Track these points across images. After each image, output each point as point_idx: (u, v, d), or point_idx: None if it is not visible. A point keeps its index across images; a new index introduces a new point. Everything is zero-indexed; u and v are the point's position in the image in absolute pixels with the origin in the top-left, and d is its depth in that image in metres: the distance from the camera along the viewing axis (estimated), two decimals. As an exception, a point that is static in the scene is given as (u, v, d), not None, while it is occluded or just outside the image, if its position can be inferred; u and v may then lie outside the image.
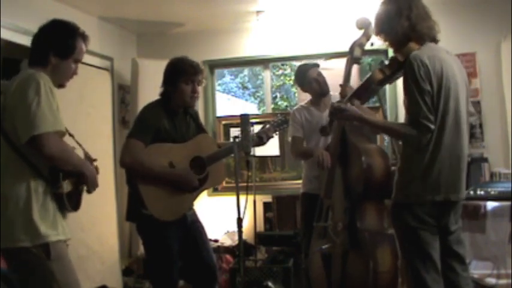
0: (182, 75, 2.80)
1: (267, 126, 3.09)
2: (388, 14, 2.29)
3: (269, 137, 3.05)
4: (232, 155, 2.82)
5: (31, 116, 1.94)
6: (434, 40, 2.29)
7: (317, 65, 3.63)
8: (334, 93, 3.53)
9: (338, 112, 2.42)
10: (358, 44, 2.92)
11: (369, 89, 2.44)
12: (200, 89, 5.38)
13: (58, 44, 2.15)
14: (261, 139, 2.99)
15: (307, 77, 3.54)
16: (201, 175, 2.82)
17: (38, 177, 2.03)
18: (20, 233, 1.98)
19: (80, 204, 2.20)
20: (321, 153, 3.19)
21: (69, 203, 2.10)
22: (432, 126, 2.11)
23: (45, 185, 2.04)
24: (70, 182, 2.11)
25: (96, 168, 2.28)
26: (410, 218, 2.19)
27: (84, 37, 2.23)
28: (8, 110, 2.03)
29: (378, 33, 2.38)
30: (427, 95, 2.11)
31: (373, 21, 2.47)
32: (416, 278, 2.18)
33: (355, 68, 3.10)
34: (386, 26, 2.31)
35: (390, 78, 2.37)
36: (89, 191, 2.22)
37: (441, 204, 2.18)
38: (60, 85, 2.22)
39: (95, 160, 2.31)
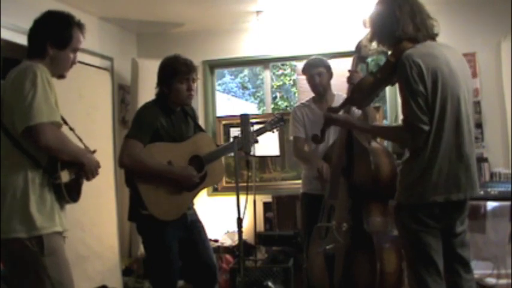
0: (176, 75, 2.80)
1: (264, 125, 3.15)
2: (380, 15, 2.26)
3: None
4: (232, 154, 2.83)
5: (27, 107, 1.94)
6: (430, 37, 2.22)
7: (320, 65, 3.53)
8: (338, 92, 3.53)
9: (329, 122, 2.53)
10: (364, 43, 2.90)
11: (364, 94, 2.36)
12: (200, 88, 5.42)
13: (55, 34, 2.14)
14: (256, 140, 3.02)
15: (307, 73, 3.55)
16: (200, 174, 2.83)
17: (36, 168, 2.03)
18: (15, 223, 1.98)
19: (79, 196, 2.19)
20: (321, 166, 3.21)
21: (69, 194, 2.09)
22: (425, 128, 2.08)
23: (43, 175, 2.04)
24: (69, 172, 2.11)
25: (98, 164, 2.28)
26: (412, 219, 2.18)
27: (80, 26, 2.22)
28: (6, 103, 2.03)
29: (372, 36, 2.35)
30: (420, 96, 2.07)
31: None
32: (418, 279, 2.17)
33: (359, 68, 3.09)
34: (378, 28, 2.28)
35: (384, 81, 2.32)
36: (88, 179, 2.21)
37: (443, 205, 2.15)
38: (61, 76, 2.22)
39: (94, 151, 2.30)
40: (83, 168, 2.15)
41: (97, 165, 2.23)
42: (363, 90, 2.35)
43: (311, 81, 3.55)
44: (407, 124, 2.11)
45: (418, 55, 2.10)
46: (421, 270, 2.16)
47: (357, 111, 3.20)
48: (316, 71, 3.51)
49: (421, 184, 2.15)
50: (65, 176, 2.09)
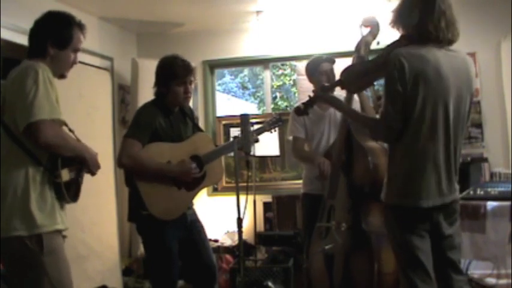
0: (174, 78, 2.80)
1: (262, 125, 3.16)
2: (403, 6, 2.23)
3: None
4: (232, 154, 2.83)
5: (28, 104, 1.95)
6: (437, 41, 2.15)
7: (333, 61, 3.52)
8: (337, 92, 3.53)
9: (315, 98, 2.65)
10: (364, 43, 2.90)
11: (352, 78, 2.38)
12: (200, 88, 5.42)
13: (55, 34, 2.16)
14: (257, 139, 3.03)
15: (320, 68, 3.45)
16: (199, 174, 2.83)
17: (36, 166, 2.03)
18: (16, 222, 1.98)
19: (78, 195, 2.19)
20: (322, 162, 3.20)
21: (68, 193, 2.10)
22: (395, 126, 2.10)
23: (44, 174, 2.05)
24: (70, 170, 2.12)
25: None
26: (395, 220, 2.19)
27: (80, 26, 2.24)
28: (8, 101, 2.04)
29: (392, 23, 2.28)
30: (396, 95, 2.07)
31: (379, 19, 2.49)
32: (407, 280, 2.17)
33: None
34: (395, 12, 2.25)
35: (374, 71, 2.30)
36: (92, 173, 2.22)
37: (419, 208, 2.14)
38: (61, 75, 2.23)
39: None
40: (85, 163, 2.16)
41: (97, 158, 2.24)
42: (352, 74, 2.38)
43: (324, 78, 3.42)
44: (380, 120, 2.15)
45: (406, 55, 2.09)
46: (409, 272, 2.16)
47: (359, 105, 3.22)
48: (329, 67, 3.47)
49: (393, 186, 2.17)
50: (65, 175, 2.09)
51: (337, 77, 3.49)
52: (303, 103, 2.71)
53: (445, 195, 2.17)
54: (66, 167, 2.10)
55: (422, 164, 2.13)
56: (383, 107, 2.13)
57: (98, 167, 2.23)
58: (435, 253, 2.20)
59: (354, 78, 2.37)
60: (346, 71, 2.41)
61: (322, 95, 2.59)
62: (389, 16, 2.28)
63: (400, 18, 2.22)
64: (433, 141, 2.12)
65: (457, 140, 2.20)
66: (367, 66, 2.33)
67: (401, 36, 2.21)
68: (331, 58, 3.56)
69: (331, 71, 3.48)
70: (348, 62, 3.11)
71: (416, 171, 2.13)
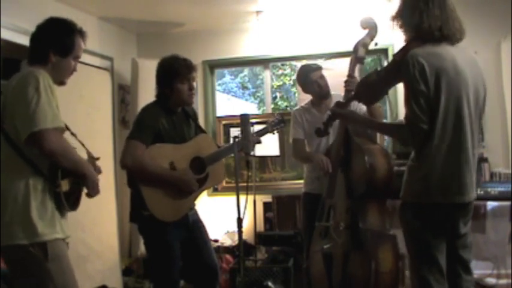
0: (177, 76, 2.80)
1: (265, 126, 3.16)
2: (406, 4, 2.24)
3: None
4: (232, 155, 2.83)
5: (30, 113, 1.95)
6: (448, 39, 2.18)
7: (320, 67, 3.58)
8: (336, 92, 3.54)
9: (334, 116, 2.63)
10: (362, 44, 2.92)
11: (368, 90, 2.39)
12: (200, 88, 5.43)
13: (58, 42, 2.16)
14: (259, 141, 3.04)
15: (309, 78, 3.51)
16: (201, 175, 2.82)
17: (37, 175, 2.03)
18: (17, 230, 1.98)
19: (78, 204, 2.19)
20: (321, 159, 3.21)
21: (68, 202, 2.09)
22: (424, 127, 2.08)
23: (44, 183, 2.04)
24: (69, 181, 2.11)
25: (98, 169, 2.27)
26: (415, 218, 2.19)
27: (82, 34, 2.24)
28: (8, 109, 2.03)
29: (394, 18, 2.29)
30: (421, 95, 2.07)
31: (376, 20, 2.47)
32: (420, 278, 2.18)
33: (357, 68, 3.10)
34: (401, 11, 2.26)
35: (389, 79, 2.32)
36: (89, 195, 2.19)
37: (447, 205, 2.15)
38: (61, 82, 2.23)
39: (97, 159, 2.30)
40: (84, 179, 2.14)
41: (97, 180, 2.21)
42: (368, 87, 2.38)
43: (316, 87, 3.48)
44: (407, 123, 2.12)
45: (423, 55, 2.10)
46: (424, 270, 2.16)
47: (364, 109, 3.22)
48: (318, 75, 3.50)
49: (425, 184, 2.15)
50: (64, 185, 2.09)
51: (332, 78, 3.58)
52: (323, 123, 2.74)
53: (473, 191, 2.20)
54: (66, 177, 2.09)
55: (457, 160, 2.13)
56: (408, 110, 2.11)
57: (97, 189, 2.19)
58: (448, 252, 2.21)
59: (369, 90, 2.38)
60: (360, 84, 2.44)
61: (339, 112, 2.59)
62: (393, 21, 2.28)
63: (407, 21, 2.22)
64: (461, 136, 2.13)
65: (476, 134, 2.21)
66: (380, 75, 2.33)
67: (409, 41, 2.21)
68: (317, 65, 3.61)
69: (322, 77, 3.51)
70: (347, 62, 3.12)
71: (452, 168, 2.13)
